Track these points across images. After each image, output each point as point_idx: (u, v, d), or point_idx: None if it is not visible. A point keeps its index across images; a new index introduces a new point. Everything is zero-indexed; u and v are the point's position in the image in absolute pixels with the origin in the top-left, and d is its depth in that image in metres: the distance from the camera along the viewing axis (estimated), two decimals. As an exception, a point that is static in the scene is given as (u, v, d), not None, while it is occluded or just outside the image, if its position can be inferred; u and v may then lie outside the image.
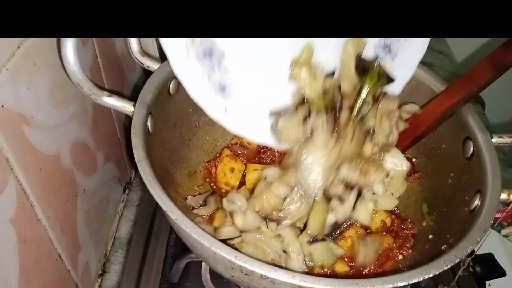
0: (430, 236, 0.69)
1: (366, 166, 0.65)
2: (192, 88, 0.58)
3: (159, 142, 0.67)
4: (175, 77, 0.68)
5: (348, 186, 0.65)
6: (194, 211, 0.72)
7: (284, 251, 0.65)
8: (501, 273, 0.76)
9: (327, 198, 0.66)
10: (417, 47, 0.70)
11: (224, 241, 0.60)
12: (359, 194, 0.67)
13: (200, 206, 0.72)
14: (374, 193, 0.68)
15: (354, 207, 0.66)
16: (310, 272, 0.65)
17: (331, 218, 0.67)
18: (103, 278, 0.77)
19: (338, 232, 0.70)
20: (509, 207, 0.80)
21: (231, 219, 0.66)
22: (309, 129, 0.62)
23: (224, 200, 0.70)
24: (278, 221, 0.65)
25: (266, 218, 0.66)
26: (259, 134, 0.67)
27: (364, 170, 0.65)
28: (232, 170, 0.77)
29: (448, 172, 0.70)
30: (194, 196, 0.73)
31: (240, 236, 0.66)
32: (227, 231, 0.65)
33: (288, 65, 0.64)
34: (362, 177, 0.65)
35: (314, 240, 0.63)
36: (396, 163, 0.68)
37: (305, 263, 0.63)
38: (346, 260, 0.70)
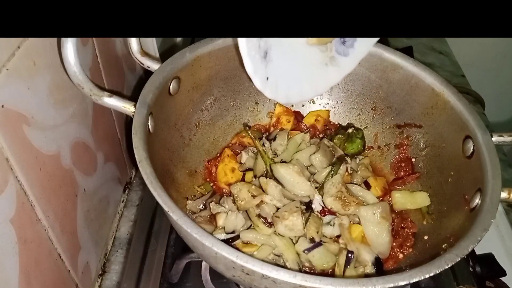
0: (431, 235, 0.69)
1: (349, 199, 0.69)
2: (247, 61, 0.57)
3: (159, 142, 0.67)
4: (175, 77, 0.68)
5: (326, 212, 0.70)
6: (194, 215, 0.72)
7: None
8: (501, 273, 0.76)
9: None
10: None
11: (225, 241, 0.60)
12: None
13: (200, 211, 0.72)
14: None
15: None
16: (311, 272, 0.65)
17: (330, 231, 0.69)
18: (103, 278, 0.77)
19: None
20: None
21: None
22: None
23: (212, 204, 0.71)
24: (272, 221, 0.67)
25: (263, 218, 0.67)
26: (291, 98, 0.69)
27: (347, 202, 0.68)
28: (233, 170, 0.77)
29: (448, 171, 0.70)
30: (193, 200, 0.73)
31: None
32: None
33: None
34: (343, 208, 0.68)
35: (310, 248, 0.64)
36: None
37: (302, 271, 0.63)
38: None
